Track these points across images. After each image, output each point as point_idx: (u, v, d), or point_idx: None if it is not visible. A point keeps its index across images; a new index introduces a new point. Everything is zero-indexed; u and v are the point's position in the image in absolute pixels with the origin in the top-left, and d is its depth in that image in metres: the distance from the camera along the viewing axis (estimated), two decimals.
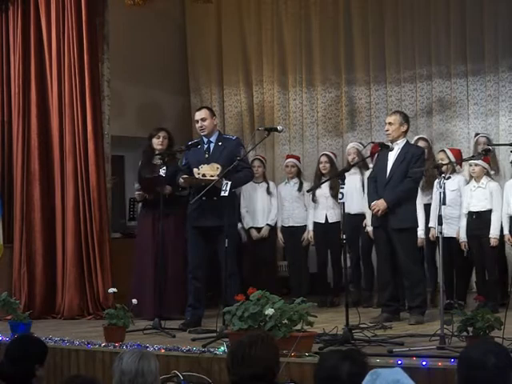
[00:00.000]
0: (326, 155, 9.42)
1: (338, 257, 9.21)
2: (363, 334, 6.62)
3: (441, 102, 10.45)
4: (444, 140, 10.26)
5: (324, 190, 9.19)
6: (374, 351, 5.87)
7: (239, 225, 9.27)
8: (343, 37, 11.00)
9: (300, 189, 9.47)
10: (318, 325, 6.32)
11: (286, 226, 9.52)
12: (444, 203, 6.50)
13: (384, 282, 7.91)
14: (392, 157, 7.77)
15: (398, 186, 7.70)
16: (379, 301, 8.39)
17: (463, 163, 8.45)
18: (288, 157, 9.97)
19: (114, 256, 8.77)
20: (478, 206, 8.23)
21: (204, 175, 7.55)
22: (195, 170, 7.65)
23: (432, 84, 10.51)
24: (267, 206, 9.54)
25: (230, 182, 7.18)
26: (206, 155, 7.82)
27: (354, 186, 9.03)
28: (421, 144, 8.72)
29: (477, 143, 9.00)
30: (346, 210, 8.93)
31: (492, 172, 8.45)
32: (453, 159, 8.39)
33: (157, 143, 8.55)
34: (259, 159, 9.77)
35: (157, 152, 8.43)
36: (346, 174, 7.01)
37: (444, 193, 6.47)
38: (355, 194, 9.02)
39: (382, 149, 7.65)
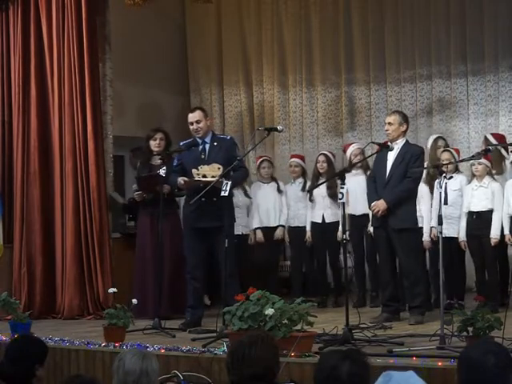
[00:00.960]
0: (324, 155, 9.39)
1: (336, 257, 9.22)
2: (363, 333, 6.63)
3: (441, 102, 10.45)
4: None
5: (321, 190, 9.12)
6: (374, 351, 5.87)
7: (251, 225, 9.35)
8: (343, 37, 11.00)
9: (304, 188, 9.47)
10: (317, 325, 6.32)
11: (292, 226, 9.51)
12: (446, 203, 6.50)
13: (384, 281, 7.92)
14: (391, 157, 7.77)
15: (397, 185, 7.71)
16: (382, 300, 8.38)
17: (463, 163, 8.45)
18: (292, 156, 9.97)
19: (113, 256, 8.77)
20: (479, 206, 8.22)
21: (204, 176, 7.52)
22: (194, 170, 7.58)
23: (432, 84, 10.51)
24: (278, 205, 9.53)
25: (230, 182, 7.17)
26: (202, 156, 7.78)
27: (359, 187, 8.92)
28: (440, 143, 8.80)
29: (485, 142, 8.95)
30: (351, 211, 8.99)
31: (494, 171, 8.45)
32: (458, 159, 8.40)
33: (154, 145, 8.58)
34: (268, 160, 9.77)
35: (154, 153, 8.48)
36: (350, 175, 7.00)
37: (446, 192, 6.47)
38: (360, 195, 8.93)
39: (382, 149, 7.66)
